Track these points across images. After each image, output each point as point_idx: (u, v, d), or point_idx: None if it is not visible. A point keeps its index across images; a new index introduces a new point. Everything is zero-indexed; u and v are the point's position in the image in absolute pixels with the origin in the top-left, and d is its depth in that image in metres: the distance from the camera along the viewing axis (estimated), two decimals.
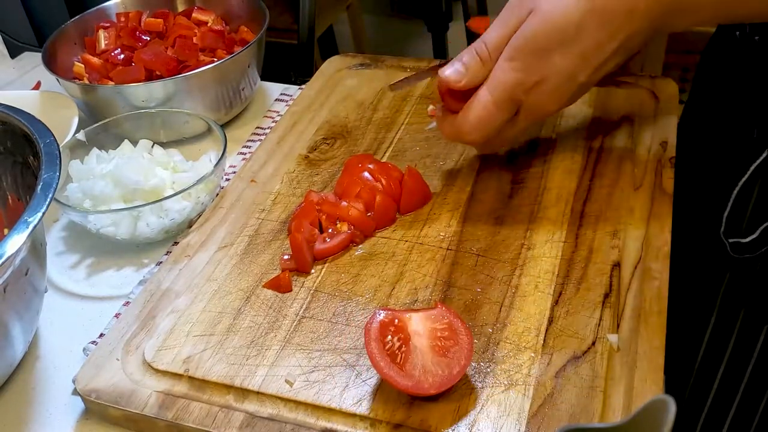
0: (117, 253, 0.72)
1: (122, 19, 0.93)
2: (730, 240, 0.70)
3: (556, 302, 0.57)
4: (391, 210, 0.68)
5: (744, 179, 0.68)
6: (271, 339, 0.57)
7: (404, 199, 0.68)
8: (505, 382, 0.52)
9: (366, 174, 0.69)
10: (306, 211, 0.67)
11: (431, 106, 0.82)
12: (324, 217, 0.67)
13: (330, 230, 0.66)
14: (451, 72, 0.63)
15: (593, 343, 0.54)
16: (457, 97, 0.64)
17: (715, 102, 0.78)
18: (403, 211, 0.69)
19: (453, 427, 0.49)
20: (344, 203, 0.67)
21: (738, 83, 0.73)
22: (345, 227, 0.66)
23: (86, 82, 0.86)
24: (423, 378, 0.51)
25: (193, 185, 0.70)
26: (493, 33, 0.61)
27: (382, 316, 0.54)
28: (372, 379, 0.53)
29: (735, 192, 0.69)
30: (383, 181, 0.69)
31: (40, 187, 0.54)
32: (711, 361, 0.76)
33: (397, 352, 0.52)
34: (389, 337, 0.53)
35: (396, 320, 0.54)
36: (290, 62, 1.83)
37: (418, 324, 0.54)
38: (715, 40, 0.79)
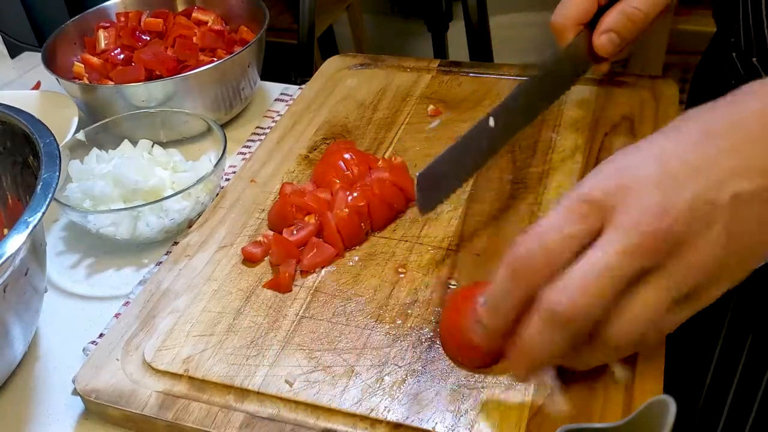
0: (117, 253, 0.72)
1: (122, 18, 0.93)
2: None
3: None
4: None
5: None
6: (271, 339, 0.57)
7: (374, 217, 0.66)
8: (505, 382, 0.52)
9: (340, 163, 0.70)
10: (281, 205, 0.68)
11: (431, 106, 0.82)
12: (294, 209, 0.67)
13: (297, 222, 0.66)
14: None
15: None
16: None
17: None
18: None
19: (453, 427, 0.49)
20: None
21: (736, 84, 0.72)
22: (312, 219, 0.66)
23: (86, 82, 0.86)
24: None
25: (193, 185, 0.70)
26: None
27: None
28: (372, 379, 0.53)
29: None
30: (354, 170, 0.69)
31: (39, 187, 0.54)
32: (718, 389, 0.75)
33: None
34: None
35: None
36: (290, 62, 1.83)
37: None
38: (715, 43, 0.78)
